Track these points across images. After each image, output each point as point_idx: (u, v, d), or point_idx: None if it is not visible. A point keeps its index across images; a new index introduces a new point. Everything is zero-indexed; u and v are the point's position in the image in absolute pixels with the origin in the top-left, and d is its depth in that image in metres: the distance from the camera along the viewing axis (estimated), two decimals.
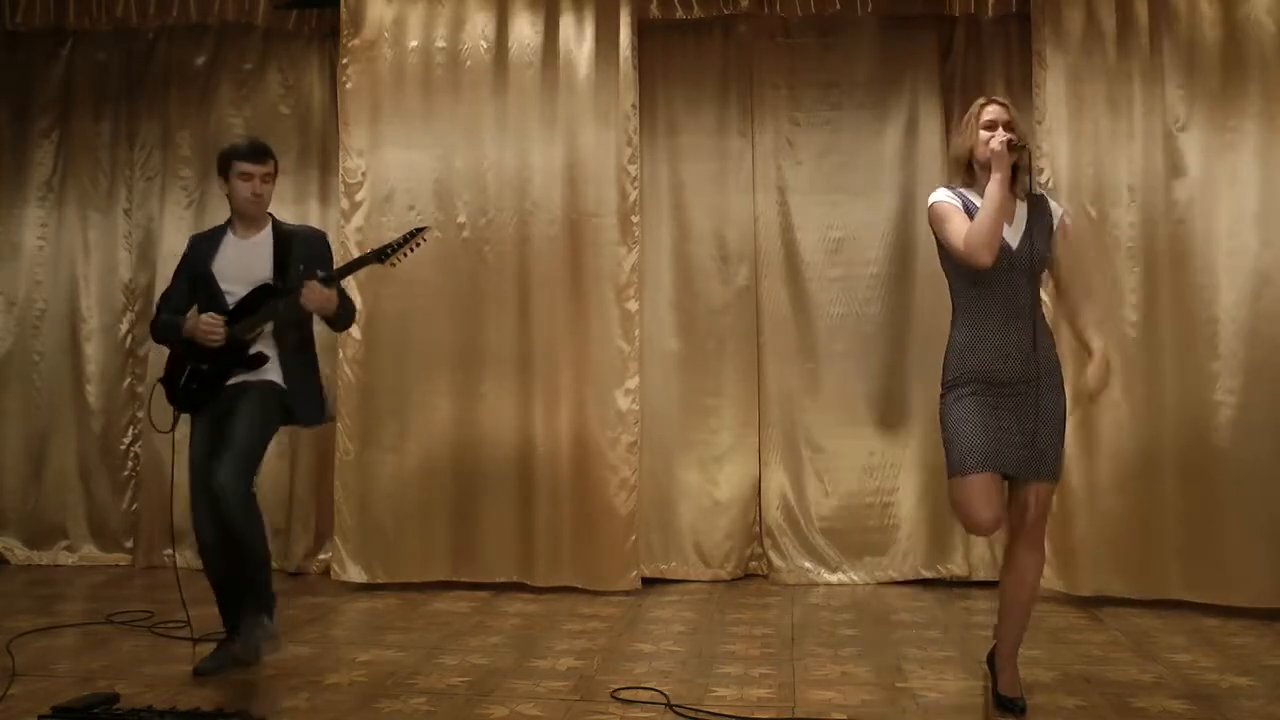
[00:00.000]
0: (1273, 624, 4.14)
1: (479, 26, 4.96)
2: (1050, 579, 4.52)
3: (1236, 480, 4.37)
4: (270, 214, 3.75)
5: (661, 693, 3.23)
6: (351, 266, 3.70)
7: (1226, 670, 3.52)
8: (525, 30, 4.94)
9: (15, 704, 3.14)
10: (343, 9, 4.99)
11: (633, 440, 4.81)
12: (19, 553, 5.44)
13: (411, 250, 3.68)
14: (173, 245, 5.40)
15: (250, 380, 3.54)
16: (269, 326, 3.57)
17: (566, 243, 4.87)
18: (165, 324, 3.65)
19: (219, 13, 5.25)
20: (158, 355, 5.33)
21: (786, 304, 5.07)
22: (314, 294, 3.48)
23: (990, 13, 4.87)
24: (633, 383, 4.84)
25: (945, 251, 3.14)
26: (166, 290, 3.76)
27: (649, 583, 4.88)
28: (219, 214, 5.33)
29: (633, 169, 4.88)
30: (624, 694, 3.23)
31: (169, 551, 5.31)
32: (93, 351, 5.50)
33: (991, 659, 3.22)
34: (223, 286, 3.58)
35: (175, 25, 5.36)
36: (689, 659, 3.67)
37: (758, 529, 5.10)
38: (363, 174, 4.94)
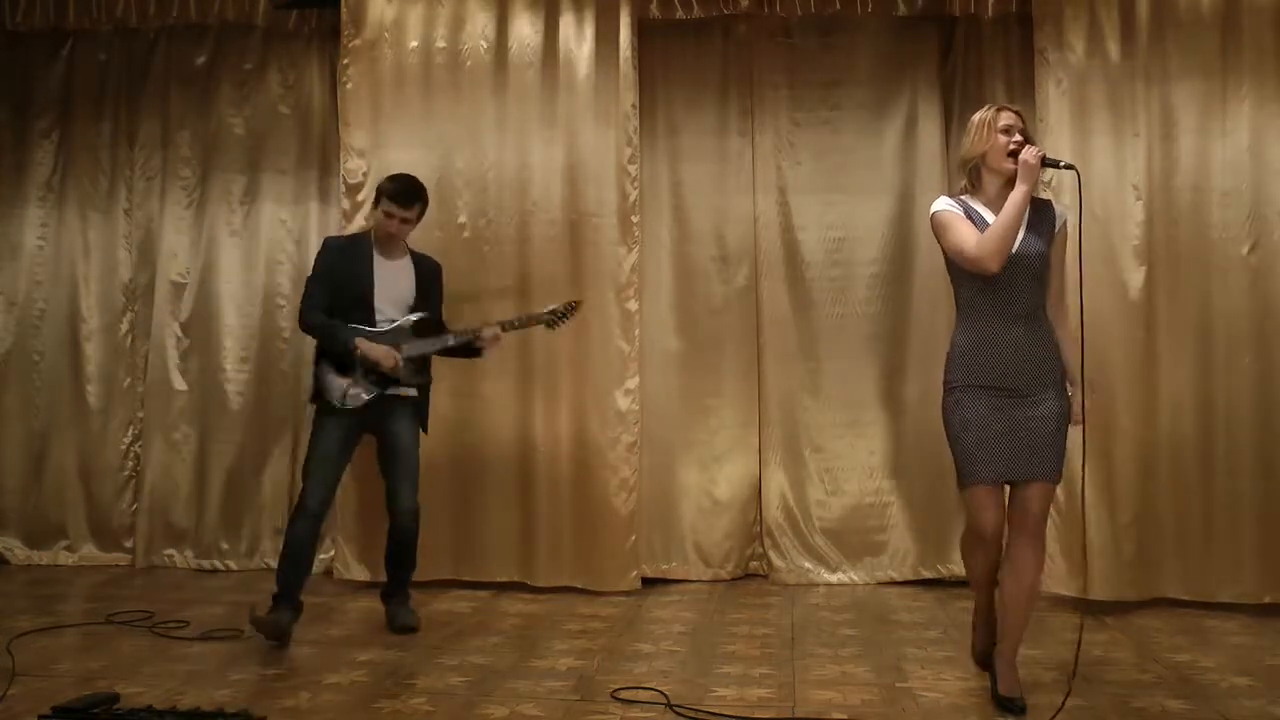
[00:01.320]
0: (1273, 623, 4.14)
1: (479, 26, 4.96)
2: (1056, 584, 4.51)
3: (1232, 478, 4.37)
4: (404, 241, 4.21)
5: (661, 693, 3.23)
6: (521, 323, 4.26)
7: (1226, 670, 3.52)
8: (525, 30, 4.94)
9: (15, 704, 3.14)
10: (343, 9, 4.99)
11: (633, 440, 4.81)
12: (19, 553, 5.44)
13: (566, 323, 4.33)
14: (172, 245, 5.42)
15: (397, 396, 4.06)
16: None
17: (566, 243, 4.87)
18: (333, 332, 4.00)
19: (219, 13, 5.25)
20: (156, 356, 5.37)
21: (786, 304, 5.07)
22: (495, 342, 4.16)
23: (990, 13, 4.86)
24: (633, 383, 4.84)
25: (949, 256, 3.18)
26: (311, 287, 4.10)
27: (649, 583, 4.88)
28: (218, 213, 5.40)
29: (633, 169, 4.88)
30: (624, 694, 3.24)
31: (170, 551, 5.32)
32: (93, 351, 5.50)
33: (989, 660, 3.22)
34: (376, 305, 4.04)
35: (175, 25, 5.35)
36: (689, 659, 3.68)
37: (758, 529, 5.10)
38: (363, 174, 4.94)
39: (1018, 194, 3.01)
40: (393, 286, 4.10)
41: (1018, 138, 3.10)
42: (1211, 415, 4.43)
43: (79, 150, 5.55)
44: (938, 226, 3.15)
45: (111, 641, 3.93)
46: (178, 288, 5.40)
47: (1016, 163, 3.06)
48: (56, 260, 5.55)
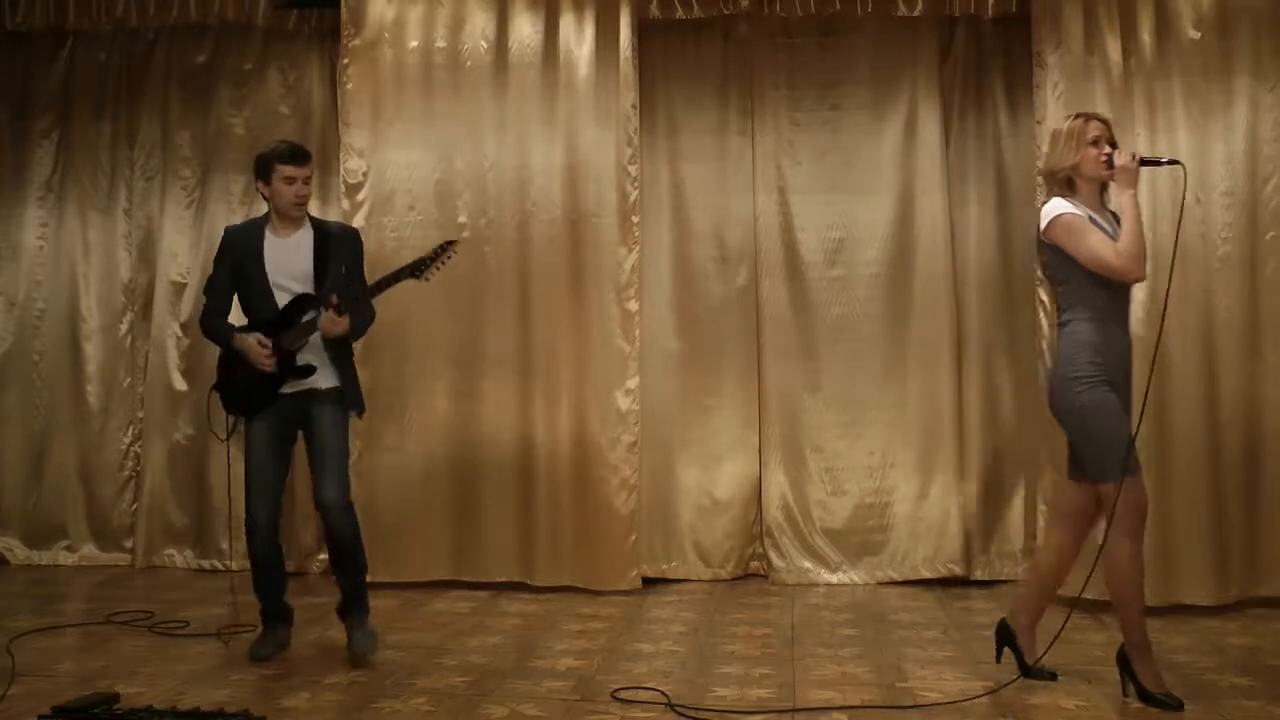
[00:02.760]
0: (1272, 624, 4.14)
1: (479, 26, 4.96)
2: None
3: (1232, 478, 4.38)
4: (306, 211, 3.83)
5: (662, 692, 3.23)
6: (385, 283, 3.72)
7: (1226, 670, 3.52)
8: (525, 30, 4.94)
9: (15, 704, 3.14)
10: (343, 9, 4.99)
11: (633, 440, 4.81)
12: (19, 553, 5.44)
13: (443, 264, 3.76)
14: (172, 245, 5.42)
15: (312, 388, 3.69)
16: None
17: (567, 243, 4.87)
18: (216, 329, 3.77)
19: (219, 13, 5.24)
20: (156, 356, 5.37)
21: (786, 304, 5.07)
22: (331, 325, 3.61)
23: (990, 13, 4.86)
24: (633, 383, 4.84)
25: (1070, 260, 3.19)
26: (210, 281, 3.85)
27: (649, 582, 4.88)
28: (218, 213, 5.39)
29: (633, 169, 4.88)
30: (624, 694, 3.23)
31: (170, 551, 5.32)
32: (93, 351, 5.50)
33: (1124, 661, 3.22)
34: (273, 281, 3.69)
35: (175, 25, 5.35)
36: (689, 659, 3.68)
37: (758, 529, 5.10)
38: (363, 174, 4.94)
39: (1129, 199, 3.15)
40: (284, 260, 3.71)
41: (1107, 149, 3.23)
42: (1212, 416, 4.42)
43: (79, 150, 5.55)
44: (1064, 230, 3.18)
45: (111, 641, 3.93)
46: (178, 288, 5.40)
47: (1113, 171, 3.19)
48: (56, 260, 5.55)
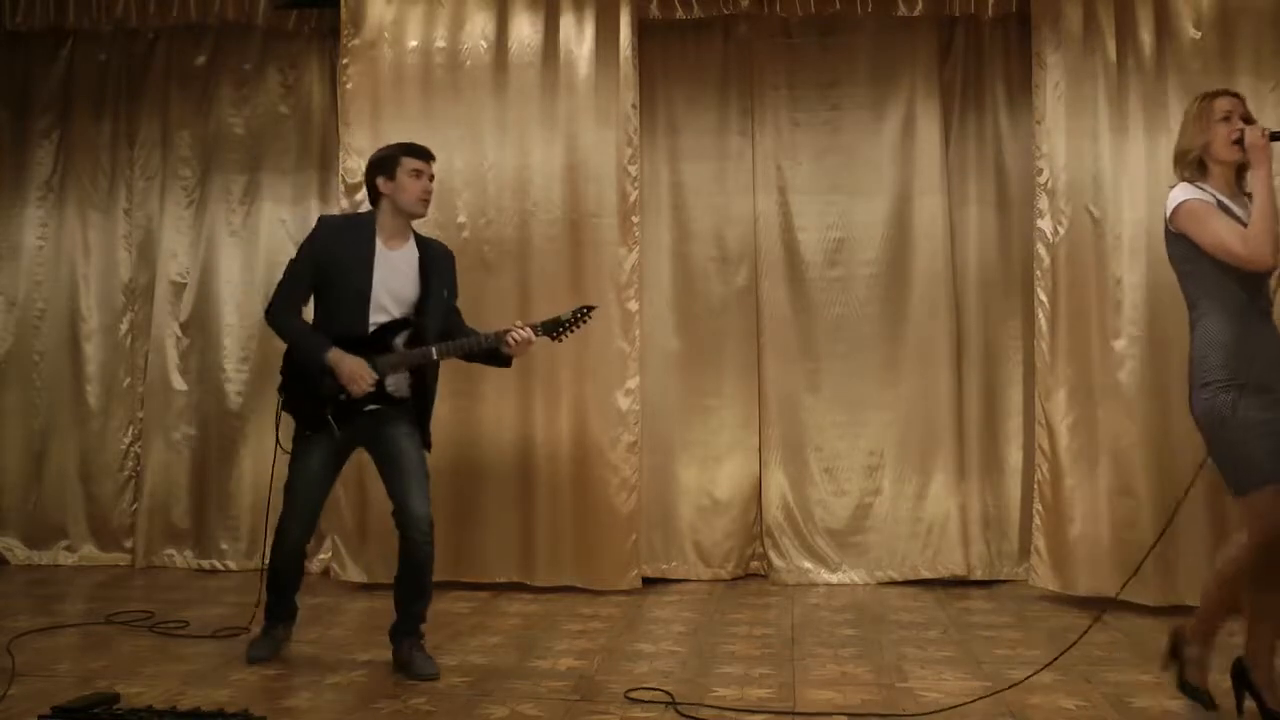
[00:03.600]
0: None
1: (479, 26, 4.96)
2: (1046, 578, 4.55)
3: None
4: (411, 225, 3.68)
5: (668, 693, 3.22)
6: (542, 330, 3.58)
7: (1226, 670, 3.51)
8: (525, 30, 4.94)
9: (15, 704, 3.13)
10: (343, 9, 4.99)
11: (633, 440, 4.82)
12: (19, 553, 5.44)
13: (578, 329, 3.65)
14: (172, 245, 5.42)
15: (391, 410, 3.54)
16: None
17: (567, 243, 4.87)
18: (299, 335, 3.53)
19: (219, 13, 5.25)
20: (156, 356, 5.36)
21: (786, 304, 5.07)
22: (523, 344, 3.50)
23: (990, 13, 4.86)
24: (633, 383, 4.84)
25: (1197, 248, 2.98)
26: (291, 273, 3.59)
27: (649, 582, 4.88)
28: (218, 213, 5.40)
29: (633, 169, 4.88)
30: (635, 694, 3.23)
31: (170, 551, 5.33)
32: (93, 351, 5.50)
33: (1242, 673, 2.98)
34: (375, 300, 3.48)
35: (175, 25, 5.36)
36: (689, 659, 3.67)
37: (758, 529, 5.10)
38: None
39: (1261, 180, 2.89)
40: (394, 280, 3.52)
41: (1239, 124, 2.98)
42: None
43: (79, 150, 5.56)
44: (1188, 217, 2.97)
45: (111, 641, 3.92)
46: (178, 288, 5.40)
47: (1244, 150, 2.95)
48: (56, 260, 5.56)
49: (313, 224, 3.77)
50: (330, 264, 3.52)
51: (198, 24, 5.33)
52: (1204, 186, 3.03)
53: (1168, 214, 3.03)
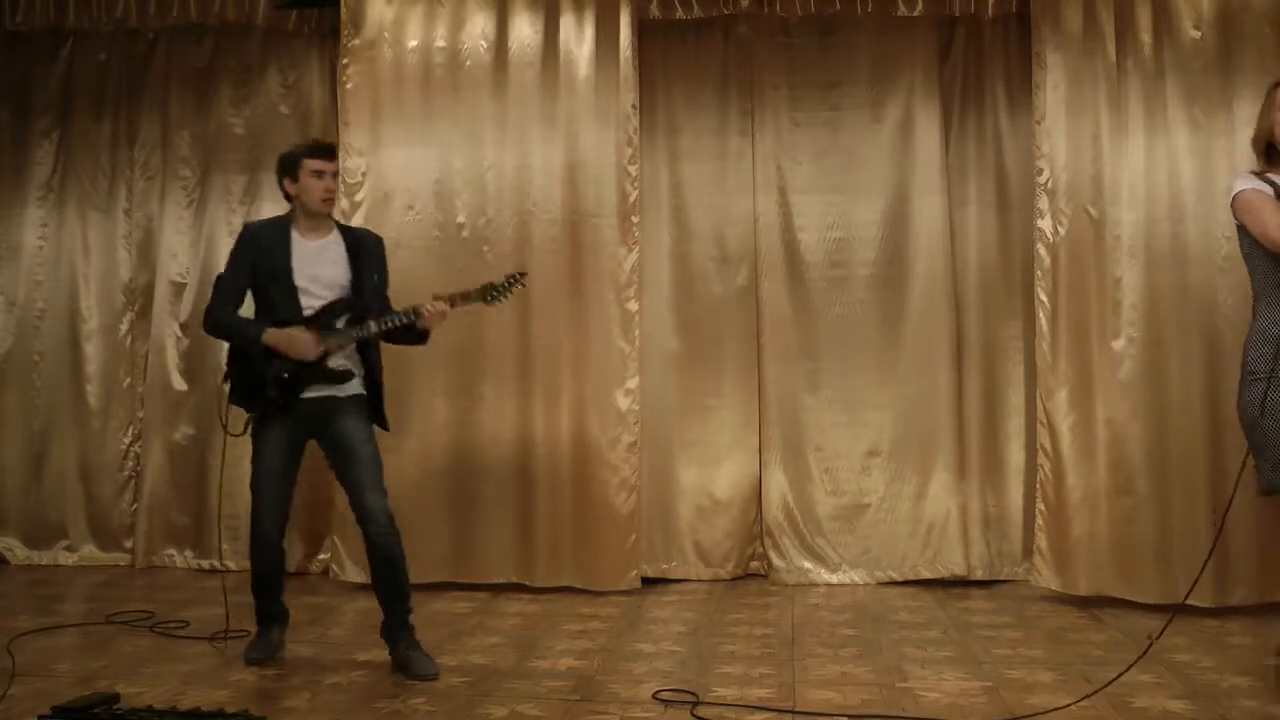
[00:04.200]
0: (1272, 624, 4.13)
1: (479, 26, 4.96)
2: (1048, 578, 4.55)
3: (1233, 479, 4.37)
4: (331, 215, 3.77)
5: (693, 694, 3.22)
6: (460, 300, 3.66)
7: (1226, 670, 3.52)
8: (525, 30, 4.94)
9: (15, 704, 3.14)
10: (343, 9, 4.99)
11: (633, 440, 4.81)
12: (19, 553, 5.44)
13: (511, 295, 3.74)
14: (172, 245, 5.42)
15: (340, 395, 3.59)
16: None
17: (566, 243, 4.87)
18: (233, 325, 3.61)
19: (219, 13, 5.25)
20: (156, 356, 5.36)
21: (786, 304, 5.07)
22: (437, 315, 3.58)
23: (990, 13, 4.86)
24: (633, 383, 4.84)
25: (1253, 239, 2.98)
26: (223, 278, 3.69)
27: (649, 582, 4.88)
28: (218, 213, 5.39)
29: (633, 169, 4.88)
30: (663, 695, 3.23)
31: (170, 551, 5.33)
32: (93, 351, 5.50)
33: None
34: (299, 286, 3.57)
35: (175, 25, 5.35)
36: (689, 659, 3.67)
37: (758, 529, 5.09)
38: (363, 174, 4.94)
39: None
40: (314, 265, 3.60)
41: None
42: (1214, 417, 4.41)
43: (79, 150, 5.56)
44: (1242, 207, 2.97)
45: (111, 641, 3.93)
46: (178, 288, 5.41)
47: None
48: (56, 260, 5.56)
49: None
50: (257, 262, 3.62)
51: (198, 24, 5.33)
52: (1271, 175, 3.01)
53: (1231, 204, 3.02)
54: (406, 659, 3.49)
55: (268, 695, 3.28)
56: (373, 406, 3.67)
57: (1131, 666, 3.20)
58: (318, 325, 3.56)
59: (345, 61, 4.99)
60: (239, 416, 3.68)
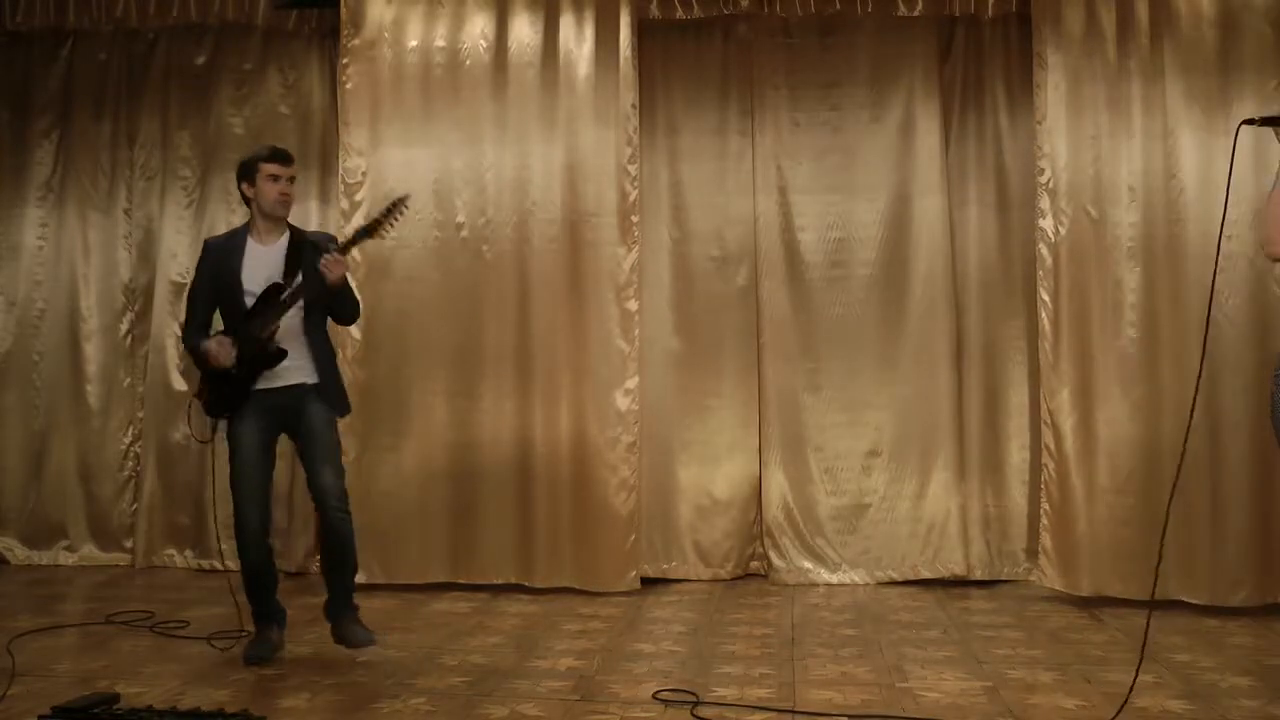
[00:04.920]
0: (1272, 624, 4.14)
1: (479, 27, 4.96)
2: (1053, 578, 4.55)
3: (1234, 479, 4.38)
4: (288, 222, 3.82)
5: (693, 694, 3.23)
6: (346, 245, 3.72)
7: (1226, 670, 3.52)
8: (525, 30, 4.94)
9: (15, 704, 3.14)
10: (343, 9, 4.99)
11: (632, 440, 4.81)
12: (19, 553, 5.44)
13: (396, 220, 3.72)
14: (172, 245, 5.42)
15: (294, 384, 3.67)
16: (299, 326, 3.67)
17: (566, 242, 4.87)
18: (194, 349, 3.75)
19: (219, 13, 5.25)
20: (156, 356, 5.37)
21: (786, 304, 5.07)
22: (332, 263, 3.56)
23: (990, 13, 4.86)
24: (632, 383, 4.84)
25: None
26: (190, 295, 3.85)
27: (649, 582, 4.88)
28: (218, 213, 5.39)
29: (632, 169, 4.88)
30: (663, 695, 3.23)
31: (170, 551, 5.33)
32: (93, 351, 5.50)
33: None
34: (246, 289, 3.67)
35: (175, 25, 5.36)
36: (689, 659, 3.67)
37: (758, 529, 5.09)
38: (362, 174, 4.94)
39: None
40: (262, 268, 3.68)
41: None
42: (1214, 416, 4.42)
43: (79, 150, 5.56)
44: (1271, 203, 2.96)
45: (111, 641, 3.93)
46: (178, 288, 5.39)
47: None
48: (56, 260, 5.56)
49: (313, 224, 3.86)
50: (217, 275, 3.74)
51: (198, 24, 5.33)
52: None
53: None
54: (346, 632, 3.62)
55: (268, 695, 3.28)
56: (329, 391, 3.74)
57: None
58: (247, 323, 3.65)
59: (345, 61, 4.99)
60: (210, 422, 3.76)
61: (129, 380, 5.48)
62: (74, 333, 5.51)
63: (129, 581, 5.08)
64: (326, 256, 3.58)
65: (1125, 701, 3.03)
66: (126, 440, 5.47)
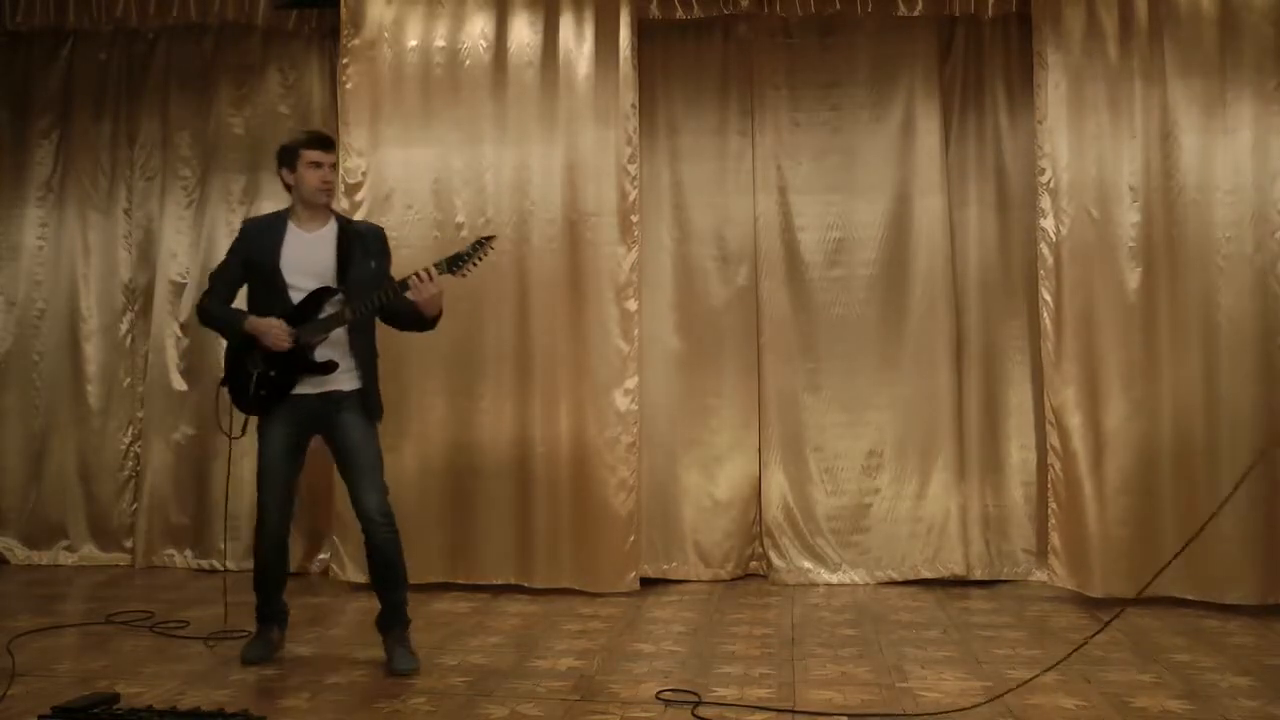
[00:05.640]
0: (1273, 624, 4.14)
1: (478, 26, 4.96)
2: (1064, 577, 4.55)
3: (1235, 478, 4.38)
4: (332, 208, 3.74)
5: (695, 694, 3.23)
6: (433, 270, 3.58)
7: (1226, 670, 3.52)
8: (525, 30, 4.94)
9: (15, 704, 3.14)
10: (343, 9, 4.99)
11: (632, 440, 4.81)
12: (19, 553, 5.44)
13: (480, 260, 3.61)
14: (172, 245, 5.42)
15: (333, 390, 3.58)
16: (342, 330, 3.57)
17: (566, 242, 4.87)
18: (220, 315, 3.62)
19: (219, 13, 5.25)
20: (156, 356, 5.37)
21: (786, 304, 5.07)
22: (426, 286, 3.48)
23: (990, 13, 4.86)
24: (632, 383, 4.83)
25: None
26: (217, 271, 3.72)
27: (649, 583, 4.87)
28: (218, 213, 5.39)
29: (632, 168, 4.88)
30: (665, 695, 3.23)
31: (170, 551, 5.33)
32: (93, 351, 5.50)
33: None
34: (287, 280, 3.56)
35: (175, 25, 5.36)
36: (689, 659, 3.67)
37: (758, 529, 5.09)
38: (363, 174, 4.94)
39: None
40: (305, 257, 3.58)
41: None
42: (1214, 415, 4.42)
43: (79, 150, 5.56)
44: None
45: (111, 641, 3.93)
46: (178, 288, 5.41)
47: None
48: (56, 260, 5.56)
49: None
50: (251, 256, 3.63)
51: (198, 24, 5.33)
52: None
53: None
54: (393, 654, 3.56)
55: (268, 695, 3.28)
56: (369, 398, 3.66)
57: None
58: (300, 317, 3.54)
59: (345, 61, 4.99)
60: (242, 418, 3.70)
61: (129, 380, 5.48)
62: (74, 332, 5.51)
63: (129, 581, 5.08)
64: (421, 276, 3.48)
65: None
66: (126, 440, 5.47)
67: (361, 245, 3.64)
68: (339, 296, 3.57)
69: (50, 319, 5.53)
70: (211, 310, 3.64)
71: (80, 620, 4.25)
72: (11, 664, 3.51)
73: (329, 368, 3.57)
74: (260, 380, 3.57)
